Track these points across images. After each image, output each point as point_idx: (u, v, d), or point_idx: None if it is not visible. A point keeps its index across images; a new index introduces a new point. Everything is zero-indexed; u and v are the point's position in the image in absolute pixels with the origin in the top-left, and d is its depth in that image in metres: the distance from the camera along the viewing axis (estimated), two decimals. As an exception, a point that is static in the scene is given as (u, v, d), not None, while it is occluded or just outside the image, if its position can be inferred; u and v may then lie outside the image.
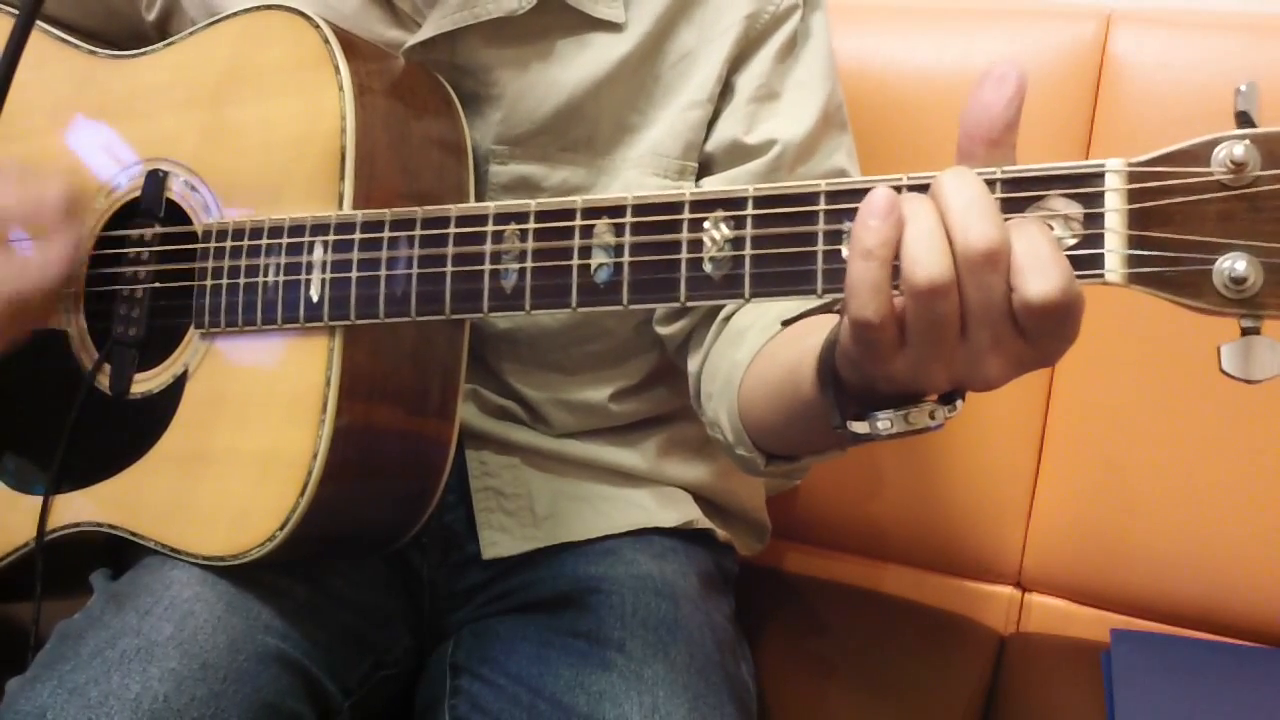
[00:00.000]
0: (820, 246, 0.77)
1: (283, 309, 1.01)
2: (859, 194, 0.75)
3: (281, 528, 0.99)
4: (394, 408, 1.06)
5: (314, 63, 1.04)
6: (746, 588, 1.36)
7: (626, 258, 0.84)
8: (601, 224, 0.85)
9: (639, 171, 1.17)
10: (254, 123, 1.07)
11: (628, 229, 0.84)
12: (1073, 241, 0.70)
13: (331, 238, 0.99)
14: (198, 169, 1.10)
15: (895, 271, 0.72)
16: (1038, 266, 0.68)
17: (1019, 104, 0.72)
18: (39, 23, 1.20)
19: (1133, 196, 0.69)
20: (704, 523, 1.30)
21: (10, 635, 1.20)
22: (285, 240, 1.01)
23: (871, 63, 1.52)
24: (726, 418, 1.09)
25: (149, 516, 1.08)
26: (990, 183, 0.72)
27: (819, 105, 1.19)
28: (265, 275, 1.02)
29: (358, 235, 0.98)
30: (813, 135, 1.18)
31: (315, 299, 0.99)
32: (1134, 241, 0.69)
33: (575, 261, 0.86)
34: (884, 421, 0.79)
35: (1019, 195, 0.72)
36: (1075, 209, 0.70)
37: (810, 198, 0.77)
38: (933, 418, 0.78)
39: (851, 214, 0.75)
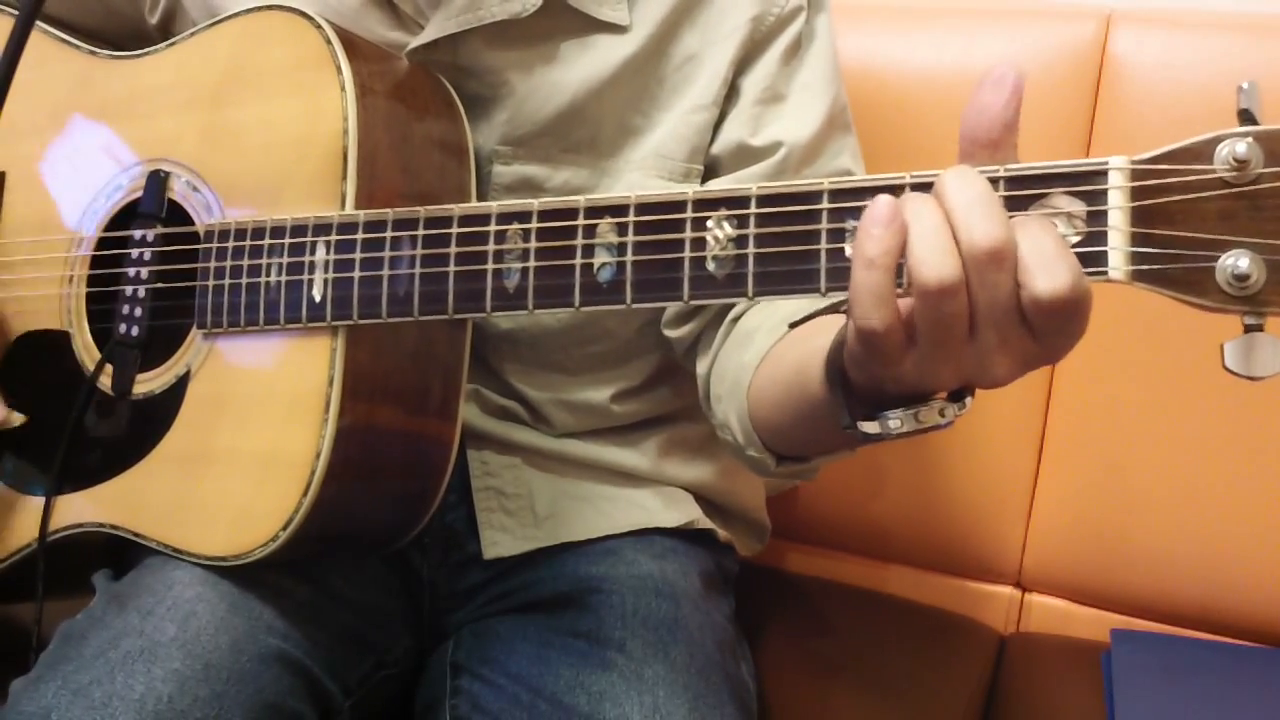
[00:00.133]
0: (823, 245, 0.77)
1: (285, 309, 1.01)
2: (862, 193, 0.76)
3: (284, 528, 0.99)
4: (396, 408, 1.06)
5: (316, 63, 1.04)
6: (746, 588, 1.36)
7: (629, 257, 0.84)
8: (604, 223, 0.85)
9: (642, 173, 1.17)
10: (256, 123, 1.07)
11: (630, 228, 0.84)
12: (1076, 239, 0.70)
13: (334, 238, 0.99)
14: (199, 169, 1.10)
15: (900, 270, 0.72)
16: (1045, 264, 0.68)
17: (1017, 104, 0.72)
18: (40, 23, 1.21)
19: (1136, 194, 0.69)
20: (705, 523, 1.30)
21: (12, 635, 1.20)
22: (287, 240, 1.01)
23: (872, 62, 1.52)
24: (736, 419, 1.09)
25: (151, 517, 1.08)
26: (993, 181, 0.72)
27: (824, 107, 1.19)
28: (267, 275, 1.02)
29: (360, 235, 0.98)
30: (818, 137, 1.18)
31: (318, 299, 0.99)
32: (1137, 239, 0.69)
33: (578, 261, 0.86)
34: (894, 421, 0.79)
35: (1022, 193, 0.72)
36: (1078, 207, 0.70)
37: (813, 196, 0.77)
38: (943, 415, 0.78)
39: (855, 213, 0.76)
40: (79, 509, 1.11)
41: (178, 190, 1.11)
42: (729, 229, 0.80)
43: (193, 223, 1.09)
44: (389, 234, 0.96)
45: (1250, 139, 0.66)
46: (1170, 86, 1.45)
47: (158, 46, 1.17)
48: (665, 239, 0.83)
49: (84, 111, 1.19)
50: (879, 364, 0.76)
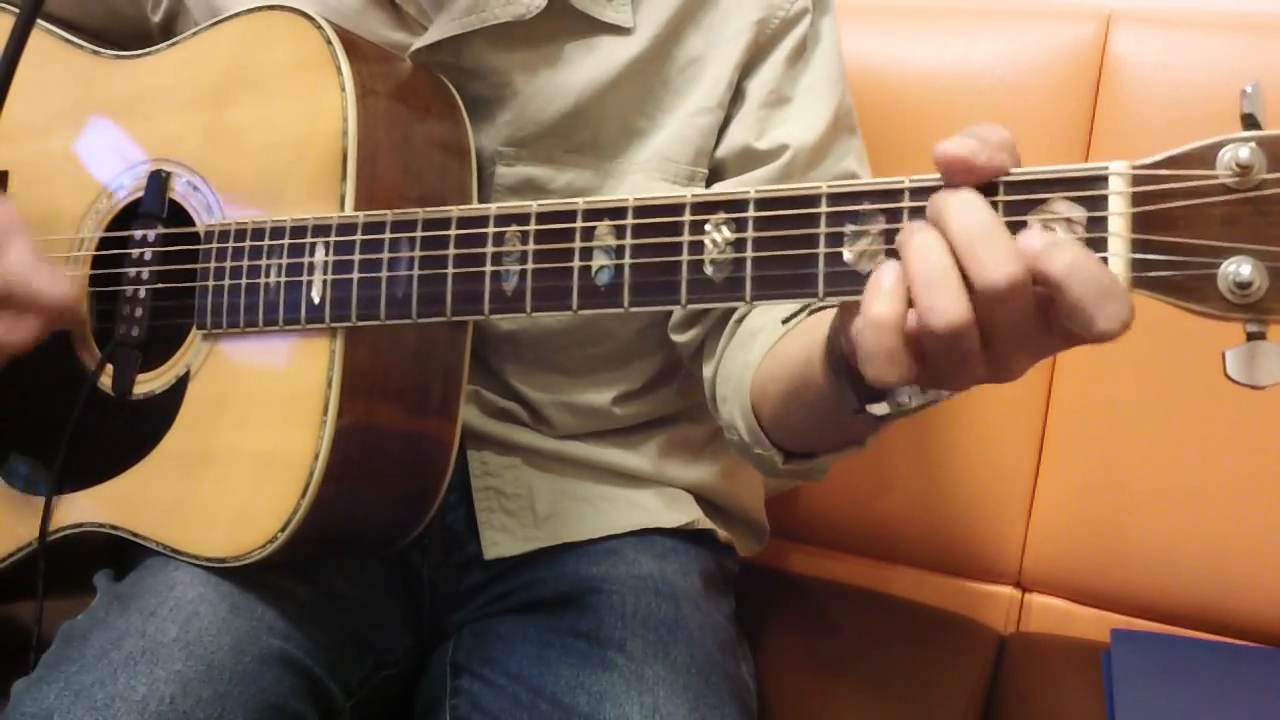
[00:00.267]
0: (822, 249, 0.76)
1: (284, 310, 1.01)
2: (861, 196, 0.76)
3: (283, 529, 0.99)
4: (396, 408, 1.06)
5: (316, 64, 1.03)
6: (747, 588, 1.36)
7: (627, 260, 0.84)
8: (602, 226, 0.85)
9: (645, 175, 1.17)
10: (256, 123, 1.07)
11: (629, 231, 0.84)
12: None
13: (333, 239, 0.99)
14: (200, 169, 1.10)
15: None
16: (1103, 299, 0.67)
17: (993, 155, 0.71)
18: (42, 22, 1.21)
19: (1136, 200, 0.69)
20: (705, 523, 1.30)
21: (12, 635, 1.20)
22: (287, 241, 1.01)
23: (872, 63, 1.52)
24: (741, 418, 1.09)
25: (150, 517, 1.08)
26: (994, 186, 0.71)
27: (830, 110, 1.19)
28: (267, 276, 1.02)
29: (359, 236, 0.97)
30: (823, 140, 1.18)
31: (317, 300, 0.99)
32: (1138, 245, 0.68)
33: (576, 264, 0.86)
34: (904, 397, 0.78)
35: (1022, 198, 0.71)
36: (1079, 212, 0.70)
37: (812, 200, 0.77)
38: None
39: (853, 216, 0.75)
40: (79, 509, 1.11)
41: (179, 190, 1.11)
42: (727, 232, 0.80)
43: (193, 223, 1.09)
44: (387, 235, 0.96)
45: (1253, 144, 0.66)
46: (1170, 86, 1.45)
47: (159, 46, 1.17)
48: (663, 242, 0.82)
49: (86, 111, 1.19)
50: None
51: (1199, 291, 0.67)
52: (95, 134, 1.17)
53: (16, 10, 0.96)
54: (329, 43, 1.03)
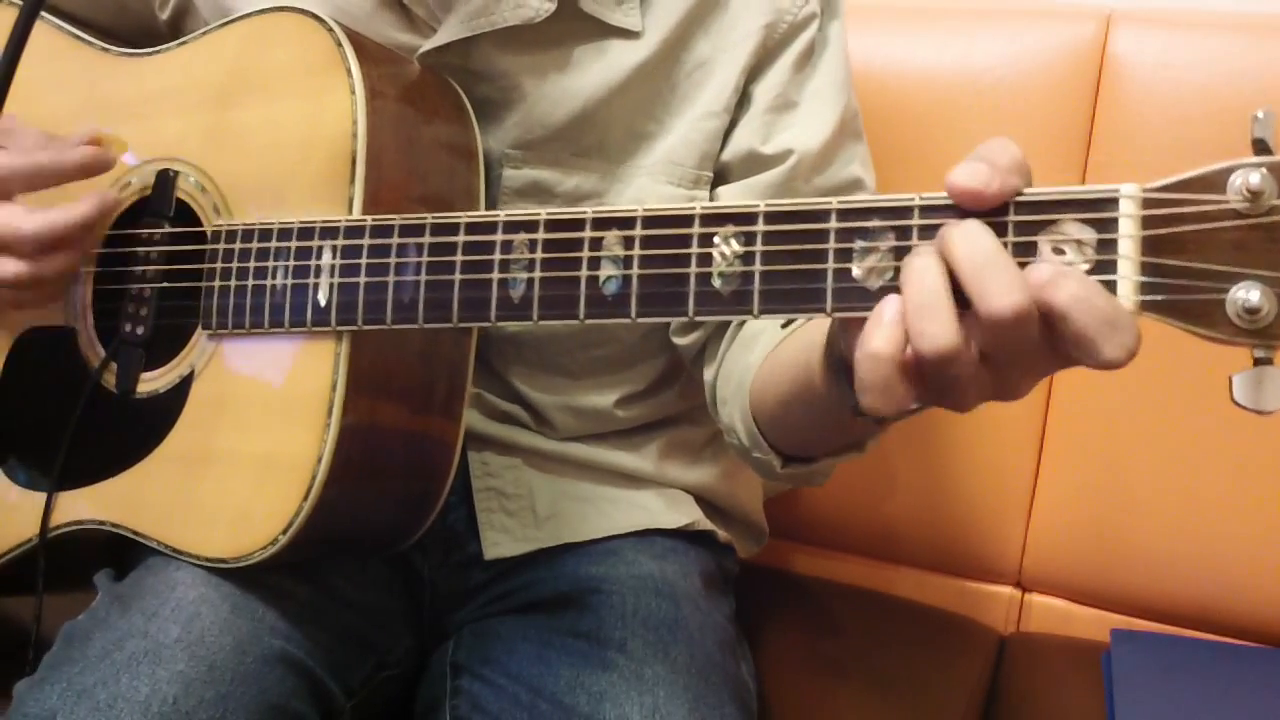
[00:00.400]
0: (830, 265, 0.76)
1: (290, 312, 1.01)
2: (870, 212, 0.75)
3: (284, 531, 0.99)
4: (399, 410, 1.05)
5: (326, 65, 1.03)
6: (747, 588, 1.36)
7: (635, 270, 0.83)
8: (611, 235, 0.85)
9: (652, 179, 1.17)
10: (265, 124, 1.07)
11: (637, 241, 0.83)
12: (1085, 267, 0.69)
13: (340, 242, 0.98)
14: (208, 169, 1.09)
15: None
16: (1110, 330, 0.67)
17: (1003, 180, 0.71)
18: (53, 18, 1.21)
19: (1147, 223, 0.68)
20: (706, 524, 1.30)
21: (12, 635, 1.21)
22: (294, 243, 1.01)
23: (872, 63, 1.52)
24: (741, 421, 1.09)
25: (151, 516, 1.08)
26: (1004, 205, 0.71)
27: (836, 115, 1.19)
28: (273, 278, 1.02)
29: (366, 240, 0.97)
30: (829, 145, 1.18)
31: (323, 303, 0.99)
32: (1147, 269, 0.68)
33: (584, 273, 0.85)
34: None
35: (1033, 219, 0.71)
36: (1089, 234, 0.70)
37: (821, 215, 0.77)
38: None
39: (863, 233, 0.75)
40: (80, 506, 1.11)
41: (186, 190, 1.10)
42: (736, 246, 0.80)
43: (200, 223, 1.09)
44: (395, 240, 0.95)
45: (1264, 170, 0.65)
46: (1170, 86, 1.45)
47: (169, 45, 1.16)
48: (671, 254, 0.82)
49: (95, 108, 1.18)
50: None
51: (1207, 316, 0.67)
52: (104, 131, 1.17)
53: (19, 2, 0.96)
54: (339, 45, 1.03)
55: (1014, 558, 1.56)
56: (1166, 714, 1.28)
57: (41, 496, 1.13)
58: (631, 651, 1.10)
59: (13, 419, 1.18)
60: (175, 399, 1.08)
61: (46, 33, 1.22)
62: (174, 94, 1.14)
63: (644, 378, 1.27)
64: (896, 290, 0.73)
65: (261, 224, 1.03)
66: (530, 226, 0.88)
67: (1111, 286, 0.69)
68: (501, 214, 0.90)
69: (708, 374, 1.18)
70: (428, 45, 1.13)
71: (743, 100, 1.18)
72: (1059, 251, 0.70)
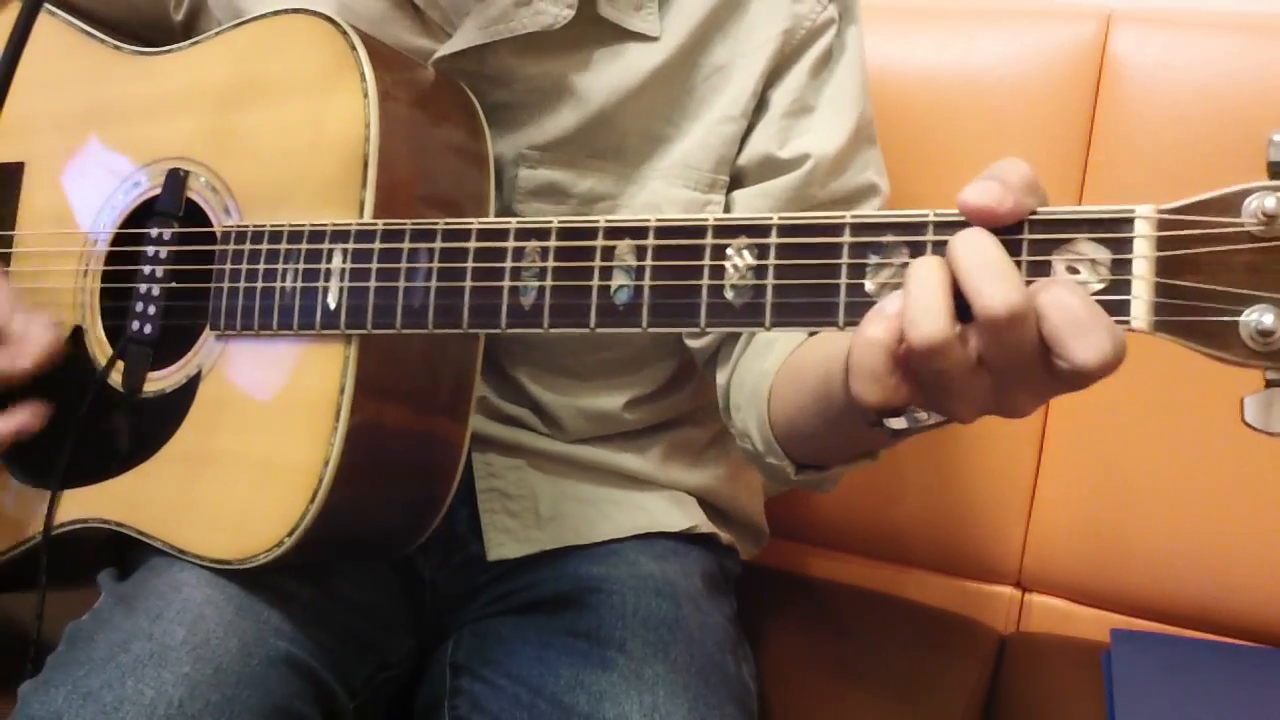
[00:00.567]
0: (843, 279, 0.76)
1: (299, 315, 1.00)
2: (884, 227, 0.76)
3: (290, 534, 0.99)
4: (406, 413, 1.05)
5: (338, 68, 1.03)
6: (747, 588, 1.36)
7: (647, 281, 0.83)
8: (623, 245, 0.84)
9: (667, 182, 1.17)
10: (276, 126, 1.06)
11: (649, 251, 0.83)
12: (1099, 286, 0.70)
13: (351, 246, 0.98)
14: (219, 170, 1.09)
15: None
16: (1079, 330, 0.68)
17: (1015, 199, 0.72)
18: (65, 15, 1.21)
19: (1162, 244, 0.69)
20: (708, 527, 1.30)
21: (13, 635, 1.21)
22: (304, 246, 1.00)
23: (872, 63, 1.50)
24: (755, 427, 1.09)
25: (156, 516, 1.07)
26: (1019, 224, 0.71)
27: (852, 120, 1.19)
28: (283, 280, 1.01)
29: (377, 245, 0.96)
30: (845, 150, 1.17)
31: (332, 307, 0.98)
32: (1161, 290, 0.69)
33: (595, 282, 0.85)
34: (922, 413, 0.80)
35: (1047, 237, 0.71)
36: (1103, 254, 0.70)
37: (835, 229, 0.77)
38: None
39: (876, 247, 0.75)
40: (84, 504, 1.11)
41: (197, 190, 1.10)
42: (749, 258, 0.79)
43: (210, 223, 1.08)
44: (406, 245, 0.95)
45: (1279, 195, 0.66)
46: (1170, 86, 1.46)
47: (182, 45, 1.16)
48: (684, 264, 0.82)
49: (106, 106, 1.18)
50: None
51: (1220, 338, 0.68)
52: (115, 129, 1.17)
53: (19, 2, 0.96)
54: (352, 48, 1.02)
55: (1014, 558, 1.56)
56: (1166, 714, 1.28)
57: (45, 494, 1.12)
58: (631, 651, 1.10)
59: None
60: (182, 399, 1.07)
61: (58, 29, 1.22)
62: (185, 94, 1.13)
63: (653, 380, 1.27)
64: None
65: (272, 226, 1.03)
66: (542, 234, 0.88)
67: (1126, 306, 0.70)
68: (513, 221, 0.90)
69: (720, 378, 1.18)
70: (443, 50, 1.13)
71: (760, 104, 1.17)
72: (1073, 270, 0.71)
